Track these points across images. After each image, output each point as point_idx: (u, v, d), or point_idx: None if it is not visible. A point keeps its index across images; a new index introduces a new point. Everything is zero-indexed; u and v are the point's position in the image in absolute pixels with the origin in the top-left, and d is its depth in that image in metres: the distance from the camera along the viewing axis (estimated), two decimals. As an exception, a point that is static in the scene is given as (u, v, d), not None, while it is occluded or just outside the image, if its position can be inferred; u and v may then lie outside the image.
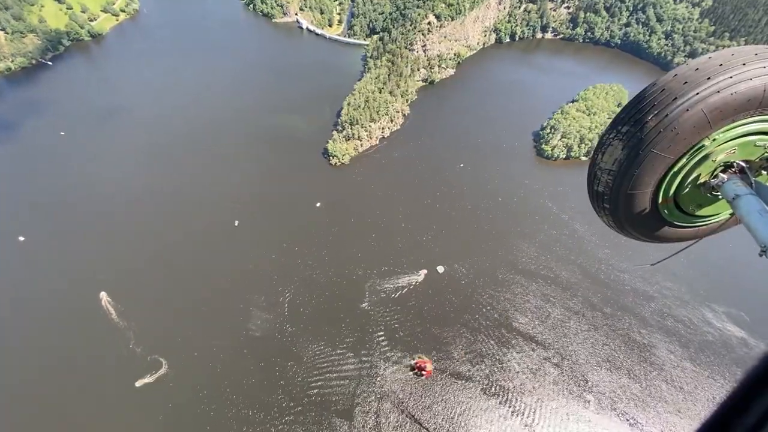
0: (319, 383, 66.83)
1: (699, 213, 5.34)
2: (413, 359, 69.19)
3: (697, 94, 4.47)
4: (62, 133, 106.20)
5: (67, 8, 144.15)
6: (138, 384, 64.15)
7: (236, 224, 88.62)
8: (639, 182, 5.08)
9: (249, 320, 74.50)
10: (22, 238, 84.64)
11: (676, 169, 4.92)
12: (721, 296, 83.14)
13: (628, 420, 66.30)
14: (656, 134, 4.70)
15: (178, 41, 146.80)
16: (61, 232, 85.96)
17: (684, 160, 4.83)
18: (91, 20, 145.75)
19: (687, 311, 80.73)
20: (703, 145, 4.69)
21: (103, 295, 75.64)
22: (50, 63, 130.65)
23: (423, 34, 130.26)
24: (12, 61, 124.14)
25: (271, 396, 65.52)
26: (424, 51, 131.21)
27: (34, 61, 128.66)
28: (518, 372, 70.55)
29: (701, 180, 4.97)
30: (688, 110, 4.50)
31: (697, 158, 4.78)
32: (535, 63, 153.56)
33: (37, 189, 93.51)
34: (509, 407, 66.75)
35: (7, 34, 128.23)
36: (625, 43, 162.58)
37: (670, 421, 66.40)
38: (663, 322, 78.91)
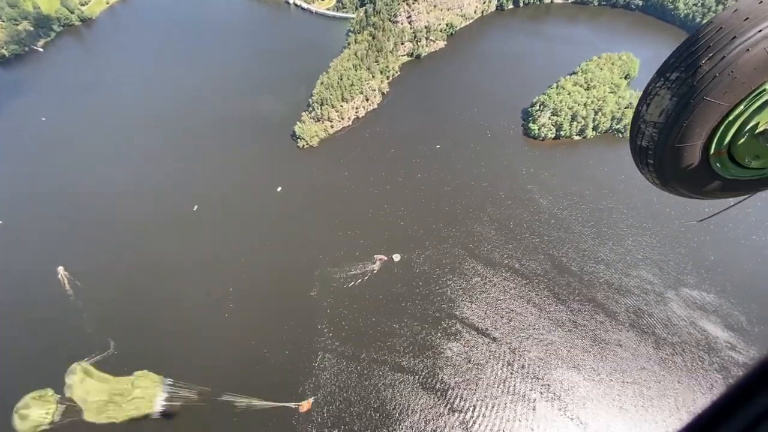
0: (254, 373, 68.14)
1: (755, 165, 4.97)
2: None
3: (760, 31, 4.09)
4: (43, 119, 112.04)
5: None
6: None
7: (195, 208, 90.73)
8: (689, 134, 4.78)
9: (196, 305, 76.80)
10: (0, 222, 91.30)
11: (731, 117, 4.58)
12: (713, 291, 76.10)
13: (576, 423, 63.13)
14: (710, 80, 4.33)
15: (163, 23, 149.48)
16: (35, 216, 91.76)
17: (741, 107, 4.47)
18: (83, 4, 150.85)
19: (668, 308, 74.72)
20: (765, 90, 4.33)
21: (60, 269, 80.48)
22: (41, 50, 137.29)
23: (408, 4, 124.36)
24: (5, 48, 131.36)
25: (209, 389, 67.33)
26: (410, 22, 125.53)
27: (27, 48, 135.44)
28: (463, 367, 68.66)
29: (760, 128, 4.63)
30: (748, 50, 4.12)
31: (756, 104, 4.43)
32: (541, 32, 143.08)
33: (16, 175, 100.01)
34: (448, 403, 65.38)
35: (3, 21, 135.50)
36: (647, 4, 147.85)
37: (624, 427, 62.52)
38: (637, 320, 73.59)
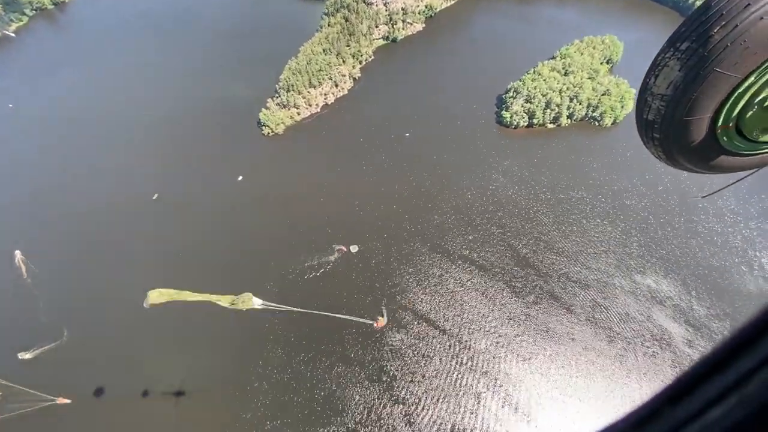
0: (192, 370, 69.36)
1: (764, 139, 4.96)
2: None
3: None
4: (10, 106, 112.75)
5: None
6: (21, 356, 69.26)
7: (155, 197, 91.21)
8: (697, 107, 4.69)
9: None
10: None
11: (741, 89, 4.49)
12: (674, 285, 75.24)
13: (521, 417, 63.47)
14: (722, 50, 4.23)
15: (138, 6, 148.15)
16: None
17: (752, 78, 4.38)
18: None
19: (626, 302, 74.00)
20: None
21: (17, 253, 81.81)
22: (13, 34, 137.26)
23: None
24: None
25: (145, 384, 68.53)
26: (385, 5, 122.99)
27: (0, 34, 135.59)
28: (411, 359, 69.04)
29: None
30: (762, 18, 4.01)
31: None
32: (527, 14, 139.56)
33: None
34: (393, 395, 66.01)
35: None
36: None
37: (569, 421, 62.75)
38: (593, 314, 73.10)
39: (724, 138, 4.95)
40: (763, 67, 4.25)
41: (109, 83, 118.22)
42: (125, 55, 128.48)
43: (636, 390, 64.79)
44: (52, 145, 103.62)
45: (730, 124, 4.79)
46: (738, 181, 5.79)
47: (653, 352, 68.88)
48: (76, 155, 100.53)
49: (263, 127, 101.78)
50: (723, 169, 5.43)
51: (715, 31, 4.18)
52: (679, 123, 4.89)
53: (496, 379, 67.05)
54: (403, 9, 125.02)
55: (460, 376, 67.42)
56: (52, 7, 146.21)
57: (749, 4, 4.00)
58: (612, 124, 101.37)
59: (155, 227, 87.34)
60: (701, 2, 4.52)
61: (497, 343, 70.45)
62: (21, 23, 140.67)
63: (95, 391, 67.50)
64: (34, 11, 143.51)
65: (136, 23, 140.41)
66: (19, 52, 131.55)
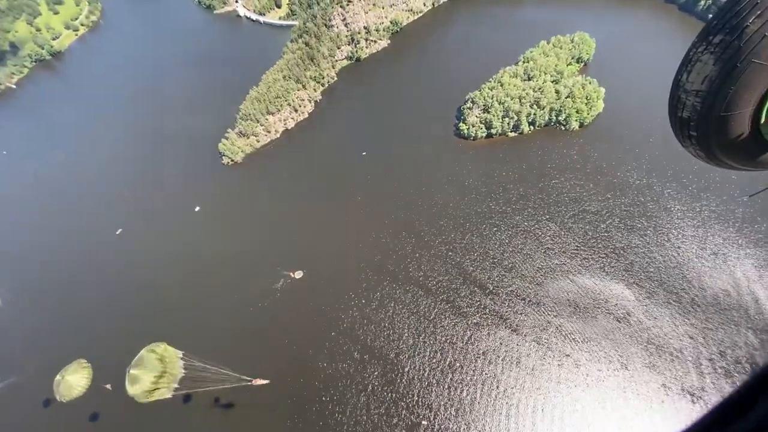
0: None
1: None
2: None
3: None
4: (4, 152, 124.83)
5: (35, 29, 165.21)
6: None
7: (119, 232, 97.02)
8: (736, 101, 4.56)
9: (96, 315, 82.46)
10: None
11: None
12: (630, 303, 70.57)
13: (452, 450, 61.24)
14: (759, 40, 4.10)
15: (126, 48, 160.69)
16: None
17: None
18: (55, 38, 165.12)
19: (577, 321, 70.08)
20: None
21: None
22: (14, 86, 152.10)
23: (342, 6, 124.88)
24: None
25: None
26: (346, 25, 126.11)
27: (2, 86, 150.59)
28: (344, 387, 68.48)
29: None
30: None
31: None
32: (499, 17, 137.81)
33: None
34: (321, 420, 65.66)
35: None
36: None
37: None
38: (540, 335, 69.75)
39: None
40: None
41: (90, 122, 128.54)
42: (111, 95, 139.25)
43: (567, 417, 61.02)
44: (31, 183, 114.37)
45: None
46: None
47: (605, 376, 64.70)
48: (49, 188, 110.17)
49: (223, 157, 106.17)
50: None
51: (751, 21, 3.96)
52: (718, 119, 4.63)
53: (430, 409, 65.19)
54: (365, 28, 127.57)
55: (392, 404, 66.11)
56: (50, 57, 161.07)
57: None
58: (579, 127, 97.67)
59: (117, 262, 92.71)
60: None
61: (437, 369, 68.54)
62: (22, 75, 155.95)
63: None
64: (33, 63, 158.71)
65: (123, 67, 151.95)
66: (14, 101, 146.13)
